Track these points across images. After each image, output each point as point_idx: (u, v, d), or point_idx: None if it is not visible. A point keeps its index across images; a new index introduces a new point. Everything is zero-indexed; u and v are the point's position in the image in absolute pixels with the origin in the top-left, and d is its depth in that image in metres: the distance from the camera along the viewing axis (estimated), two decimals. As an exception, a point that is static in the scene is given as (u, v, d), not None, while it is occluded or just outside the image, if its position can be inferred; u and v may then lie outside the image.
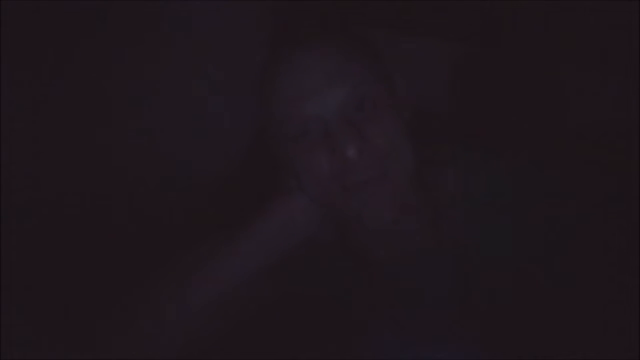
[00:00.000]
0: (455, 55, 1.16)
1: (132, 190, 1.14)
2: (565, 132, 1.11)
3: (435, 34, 1.15)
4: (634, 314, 0.72)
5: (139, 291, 0.77)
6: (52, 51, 1.11)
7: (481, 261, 0.78)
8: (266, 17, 1.13)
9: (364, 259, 0.82)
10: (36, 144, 1.12)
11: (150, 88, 1.16)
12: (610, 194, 0.80)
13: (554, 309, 0.75)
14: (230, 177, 1.15)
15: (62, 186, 1.11)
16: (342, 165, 0.71)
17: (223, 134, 1.18)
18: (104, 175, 1.14)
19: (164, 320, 0.75)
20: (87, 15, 1.11)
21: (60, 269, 1.01)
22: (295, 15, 0.78)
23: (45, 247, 1.04)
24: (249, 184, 1.07)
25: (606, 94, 1.10)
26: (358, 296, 0.82)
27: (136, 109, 1.16)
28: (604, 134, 1.08)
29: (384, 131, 0.72)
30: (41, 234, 1.06)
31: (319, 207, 0.76)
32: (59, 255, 1.03)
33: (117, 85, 1.15)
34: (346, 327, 0.82)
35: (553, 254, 0.76)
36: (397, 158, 0.72)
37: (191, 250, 0.78)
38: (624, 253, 0.75)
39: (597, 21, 1.07)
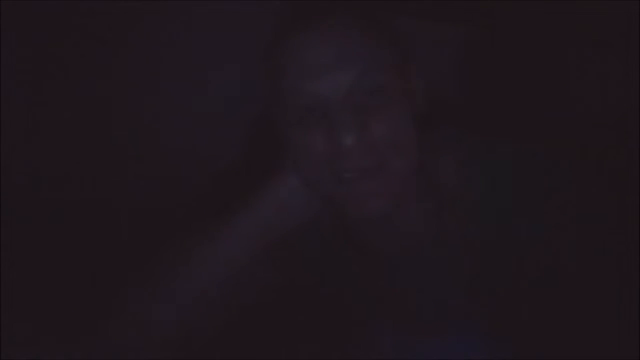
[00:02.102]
0: (462, 39, 1.15)
1: (132, 178, 1.14)
2: (571, 118, 1.10)
3: (442, 17, 1.14)
4: (635, 312, 0.72)
5: (136, 279, 0.77)
6: (54, 49, 1.12)
7: (485, 251, 0.76)
8: (269, 16, 1.12)
9: (364, 249, 0.80)
10: (37, 139, 1.12)
11: (151, 81, 1.15)
12: (615, 183, 0.79)
13: (559, 302, 0.74)
14: (231, 165, 1.15)
15: (62, 181, 1.12)
16: (337, 151, 0.68)
17: (224, 122, 1.18)
18: (106, 167, 1.14)
19: (162, 307, 0.75)
20: (88, 14, 1.11)
21: (60, 263, 1.01)
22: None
23: (47, 239, 1.04)
24: (250, 172, 1.06)
25: (614, 79, 1.09)
26: (358, 289, 0.81)
27: (137, 100, 1.16)
28: (610, 120, 1.07)
29: (389, 122, 0.69)
30: (43, 226, 1.06)
31: (311, 192, 0.74)
32: (60, 249, 1.04)
33: (118, 79, 1.15)
34: (345, 321, 0.81)
35: (558, 242, 0.74)
36: (397, 152, 0.69)
37: (184, 237, 0.77)
38: (628, 243, 0.74)
39: (602, 6, 1.06)
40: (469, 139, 0.79)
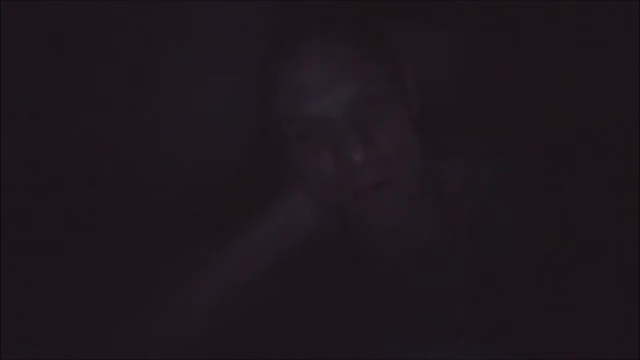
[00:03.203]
0: (464, 45, 1.15)
1: (134, 189, 1.14)
2: (572, 119, 1.10)
3: (443, 23, 1.14)
4: (635, 312, 0.71)
5: (140, 291, 0.77)
6: (54, 49, 1.11)
7: (492, 257, 0.76)
8: (269, 16, 1.12)
9: (371, 257, 0.80)
10: (37, 141, 1.12)
11: (152, 86, 1.15)
12: (616, 183, 0.79)
13: (561, 303, 0.74)
14: (233, 175, 1.15)
15: (63, 183, 1.11)
16: (348, 169, 0.68)
17: (226, 132, 1.18)
18: (106, 174, 1.14)
19: (164, 320, 0.75)
20: (89, 13, 1.11)
21: (60, 268, 1.01)
22: (299, 6, 0.75)
23: (45, 245, 1.04)
24: (252, 182, 1.06)
25: (614, 80, 1.09)
26: (363, 296, 0.81)
27: (138, 107, 1.16)
28: (611, 121, 1.07)
29: (392, 133, 0.69)
30: (42, 231, 1.06)
31: (322, 208, 0.74)
32: (60, 254, 1.03)
33: (118, 84, 1.15)
34: (352, 328, 0.81)
35: (566, 248, 0.74)
36: (404, 161, 0.70)
37: (192, 250, 0.78)
38: (628, 243, 0.74)
39: (604, 9, 1.06)
40: (475, 146, 0.80)
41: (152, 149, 1.16)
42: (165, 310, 0.75)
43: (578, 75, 1.12)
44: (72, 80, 1.12)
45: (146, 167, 1.16)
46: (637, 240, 0.74)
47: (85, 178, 1.13)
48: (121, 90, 1.14)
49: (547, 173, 0.76)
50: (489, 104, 1.14)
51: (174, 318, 0.75)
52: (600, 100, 1.10)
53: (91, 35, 1.12)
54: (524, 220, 0.76)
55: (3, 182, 1.03)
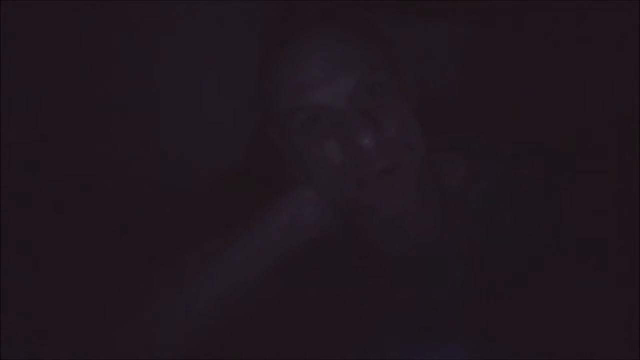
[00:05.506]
0: (465, 40, 1.15)
1: (134, 187, 1.14)
2: (577, 119, 1.10)
3: (446, 17, 1.14)
4: (635, 311, 0.71)
5: (142, 289, 0.77)
6: (54, 50, 1.12)
7: (492, 253, 0.76)
8: (268, 16, 1.13)
9: (374, 253, 0.80)
10: (37, 141, 1.12)
11: (150, 85, 1.15)
12: (617, 183, 0.79)
13: (561, 302, 0.74)
14: (232, 174, 1.15)
15: (62, 183, 1.12)
16: (356, 155, 0.69)
17: (225, 129, 1.18)
18: (105, 173, 1.14)
19: (166, 319, 0.74)
20: (88, 14, 1.11)
21: (60, 267, 1.01)
22: (298, 3, 0.76)
23: (45, 244, 1.04)
24: (252, 181, 1.06)
25: (614, 79, 1.09)
26: (364, 292, 0.81)
27: (137, 106, 1.16)
28: (611, 120, 1.07)
29: (397, 118, 0.70)
30: (41, 231, 1.06)
31: (327, 201, 0.74)
32: (60, 253, 1.04)
33: (117, 83, 1.15)
34: (352, 323, 0.81)
35: (566, 245, 0.74)
36: (410, 147, 0.71)
37: (195, 248, 0.77)
38: (628, 242, 0.74)
39: (605, 7, 1.07)
40: (475, 141, 0.80)
41: (151, 148, 1.16)
42: (166, 310, 0.74)
43: (579, 71, 1.12)
44: (71, 80, 1.13)
45: (146, 166, 1.16)
46: (637, 238, 0.74)
47: (84, 177, 1.13)
48: (120, 89, 1.15)
49: (547, 169, 0.76)
50: (489, 100, 1.14)
51: (175, 317, 0.74)
52: (601, 98, 1.10)
53: (90, 36, 1.12)
54: (524, 216, 0.76)
55: (3, 182, 1.03)
